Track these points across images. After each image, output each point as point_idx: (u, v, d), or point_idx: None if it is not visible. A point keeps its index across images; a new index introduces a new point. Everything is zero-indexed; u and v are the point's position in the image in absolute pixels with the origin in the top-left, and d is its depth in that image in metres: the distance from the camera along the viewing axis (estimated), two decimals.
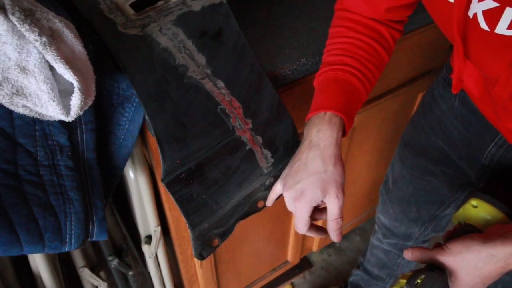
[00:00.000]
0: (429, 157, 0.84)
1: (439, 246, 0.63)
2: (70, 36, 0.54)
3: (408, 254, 0.60)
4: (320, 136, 0.60)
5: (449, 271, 0.56)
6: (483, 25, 0.48)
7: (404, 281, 0.56)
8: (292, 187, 0.61)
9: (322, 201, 0.61)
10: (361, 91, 0.65)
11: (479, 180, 0.75)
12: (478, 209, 0.63)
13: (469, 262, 0.54)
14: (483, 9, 0.47)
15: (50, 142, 0.59)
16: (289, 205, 0.63)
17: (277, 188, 0.68)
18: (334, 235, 0.62)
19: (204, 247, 0.71)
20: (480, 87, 0.64)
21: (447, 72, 0.76)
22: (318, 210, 0.63)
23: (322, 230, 0.66)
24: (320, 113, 0.62)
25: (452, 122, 0.76)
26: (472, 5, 0.48)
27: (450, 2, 0.51)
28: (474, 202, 0.64)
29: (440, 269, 0.56)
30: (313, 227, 0.64)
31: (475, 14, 0.49)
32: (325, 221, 0.63)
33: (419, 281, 0.54)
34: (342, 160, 0.61)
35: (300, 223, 0.62)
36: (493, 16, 0.47)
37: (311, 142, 0.61)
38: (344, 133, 0.63)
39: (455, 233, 0.64)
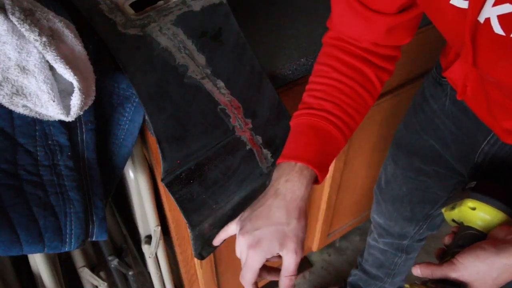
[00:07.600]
0: (421, 157, 0.84)
1: (443, 253, 0.62)
2: (70, 36, 0.54)
3: (417, 271, 0.58)
4: (288, 187, 0.58)
5: (463, 285, 0.55)
6: (498, 29, 0.47)
7: None
8: (249, 233, 0.57)
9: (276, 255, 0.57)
10: (338, 139, 0.63)
11: (472, 179, 0.76)
12: (476, 211, 0.62)
13: (484, 274, 0.53)
14: (498, 13, 0.46)
15: (50, 142, 0.59)
16: (241, 251, 0.58)
17: (230, 229, 0.64)
18: None
19: (204, 247, 0.71)
20: (476, 88, 0.63)
21: (438, 72, 0.76)
22: (265, 269, 0.59)
23: (275, 271, 0.61)
24: (291, 162, 0.59)
25: (443, 121, 0.76)
26: (484, 10, 0.47)
27: (460, 8, 0.50)
28: (471, 204, 0.62)
29: (452, 284, 0.55)
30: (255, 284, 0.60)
31: (487, 19, 0.47)
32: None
33: None
34: (306, 215, 0.58)
35: (249, 273, 0.57)
36: (510, 20, 0.45)
37: (278, 191, 0.58)
38: (316, 181, 0.60)
39: (458, 238, 0.63)
